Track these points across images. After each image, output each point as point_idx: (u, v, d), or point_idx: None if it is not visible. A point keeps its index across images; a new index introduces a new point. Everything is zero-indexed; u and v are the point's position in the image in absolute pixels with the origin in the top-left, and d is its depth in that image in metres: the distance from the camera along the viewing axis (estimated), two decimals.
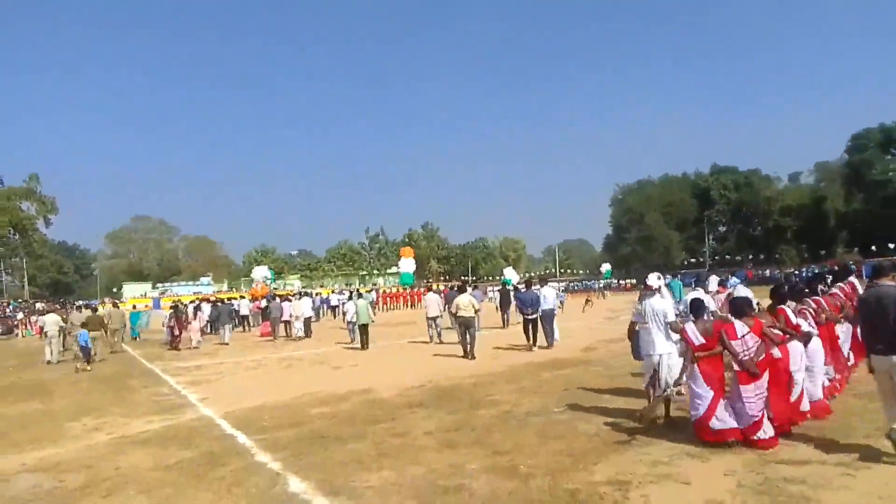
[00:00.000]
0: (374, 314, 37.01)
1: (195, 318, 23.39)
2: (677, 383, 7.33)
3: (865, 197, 65.05)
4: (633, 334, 8.29)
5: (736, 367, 6.13)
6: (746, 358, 6.04)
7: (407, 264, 32.55)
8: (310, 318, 24.84)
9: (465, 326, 14.71)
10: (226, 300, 30.42)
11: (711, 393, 6.09)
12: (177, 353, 20.25)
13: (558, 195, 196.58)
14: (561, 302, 15.48)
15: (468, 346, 14.52)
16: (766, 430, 5.96)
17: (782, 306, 7.08)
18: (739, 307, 6.58)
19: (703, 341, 6.25)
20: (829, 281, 9.64)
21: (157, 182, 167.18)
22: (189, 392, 11.81)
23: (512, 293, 21.76)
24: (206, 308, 25.95)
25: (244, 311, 30.23)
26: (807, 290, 8.44)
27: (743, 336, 6.11)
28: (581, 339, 16.84)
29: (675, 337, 7.19)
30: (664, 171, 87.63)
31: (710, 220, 78.99)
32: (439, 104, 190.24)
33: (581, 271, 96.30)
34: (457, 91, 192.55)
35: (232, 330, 24.34)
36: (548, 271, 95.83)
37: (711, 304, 10.20)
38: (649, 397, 7.58)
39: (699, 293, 9.70)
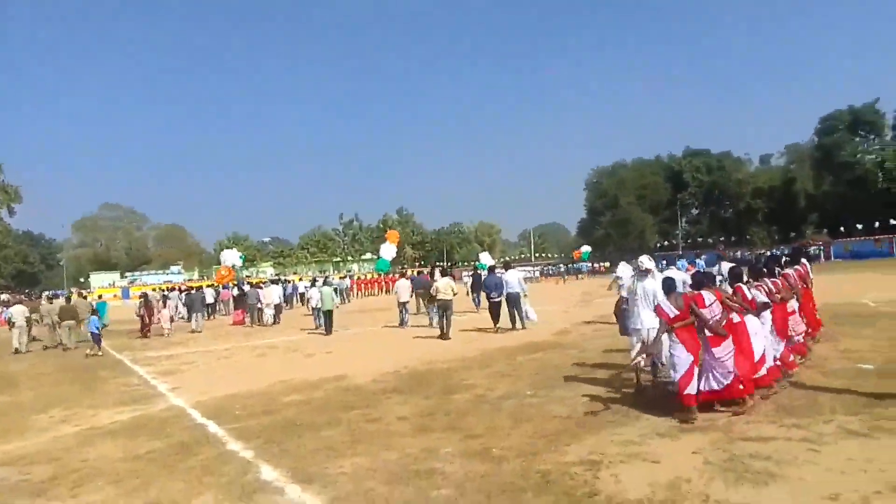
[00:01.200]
0: (349, 301, 37.64)
1: (165, 307, 23.08)
2: (649, 353, 7.86)
3: (834, 179, 66.23)
4: (621, 312, 8.85)
5: (707, 333, 6.66)
6: (714, 322, 6.67)
7: (388, 250, 32.22)
8: (280, 305, 25.04)
9: (443, 309, 15.49)
10: (196, 289, 30.04)
11: (691, 357, 6.57)
12: (146, 342, 19.99)
13: (533, 180, 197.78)
14: (523, 290, 15.63)
15: (445, 327, 15.31)
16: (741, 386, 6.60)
17: (739, 284, 7.67)
18: (700, 280, 7.31)
19: (677, 313, 6.74)
20: (783, 262, 9.97)
21: (127, 170, 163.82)
22: (159, 382, 11.64)
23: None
24: (175, 296, 25.64)
25: (209, 298, 29.72)
26: (764, 271, 8.98)
27: (710, 304, 6.75)
28: (555, 322, 16.95)
29: None
30: (638, 155, 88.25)
31: (682, 203, 79.86)
32: (413, 89, 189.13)
33: (556, 255, 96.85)
34: (431, 76, 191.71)
35: (204, 318, 24.18)
36: (523, 255, 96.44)
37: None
38: (636, 369, 8.09)
39: (671, 272, 9.97)
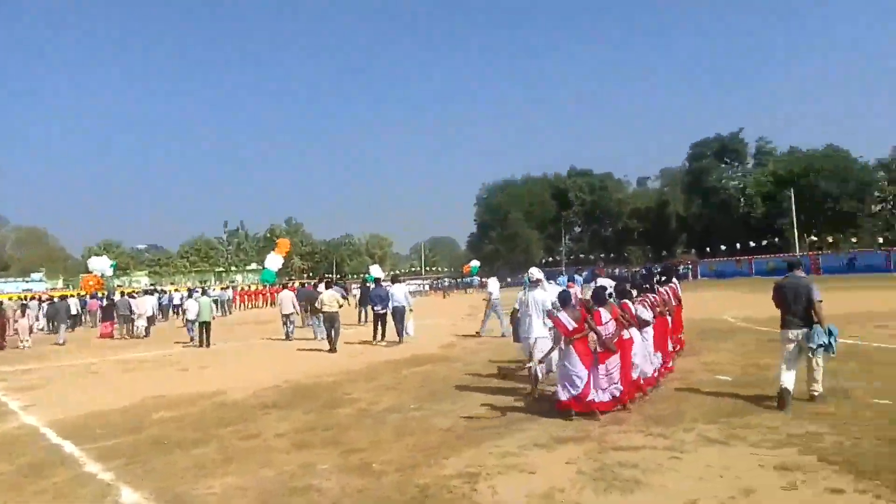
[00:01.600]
0: (231, 313, 36.15)
1: (23, 317, 21.16)
2: (540, 362, 8.26)
3: (702, 202, 71.41)
4: (515, 320, 9.23)
5: (599, 348, 7.12)
6: (607, 338, 7.17)
7: (273, 260, 31.15)
8: (153, 317, 23.74)
9: (330, 321, 15.26)
10: (60, 298, 27.79)
11: (586, 372, 6.97)
12: (0, 355, 18.19)
13: (425, 194, 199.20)
14: (409, 304, 15.87)
15: (332, 339, 15.14)
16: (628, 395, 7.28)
17: (625, 301, 8.19)
18: (602, 296, 7.71)
19: (576, 326, 7.12)
20: (655, 280, 10.72)
21: None
22: (11, 399, 10.60)
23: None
24: (35, 306, 23.61)
25: (73, 309, 27.56)
26: (646, 287, 9.65)
27: (606, 322, 7.31)
28: (441, 336, 17.06)
29: (550, 324, 8.07)
30: (527, 172, 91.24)
31: (567, 221, 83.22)
32: (303, 97, 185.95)
33: (446, 269, 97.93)
34: (321, 86, 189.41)
35: (68, 330, 22.45)
36: (414, 269, 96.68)
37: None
38: (531, 374, 8.56)
39: (558, 287, 10.55)
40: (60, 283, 76.25)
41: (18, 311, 21.98)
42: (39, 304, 27.73)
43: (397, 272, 60.77)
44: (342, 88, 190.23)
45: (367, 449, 6.30)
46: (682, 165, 79.36)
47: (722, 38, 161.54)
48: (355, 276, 77.36)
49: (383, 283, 17.99)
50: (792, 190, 57.65)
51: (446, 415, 7.67)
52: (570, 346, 7.09)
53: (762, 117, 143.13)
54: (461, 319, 22.53)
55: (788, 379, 7.02)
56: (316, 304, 16.18)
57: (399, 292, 16.14)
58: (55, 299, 26.06)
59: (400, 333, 15.94)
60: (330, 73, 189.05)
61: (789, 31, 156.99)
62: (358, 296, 24.39)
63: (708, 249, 62.76)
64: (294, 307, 19.25)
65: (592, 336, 7.19)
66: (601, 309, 7.43)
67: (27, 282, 73.60)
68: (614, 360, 7.18)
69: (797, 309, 7.22)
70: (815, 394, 7.19)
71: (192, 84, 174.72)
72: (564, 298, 7.65)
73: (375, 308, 16.36)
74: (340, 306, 15.64)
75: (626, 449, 5.78)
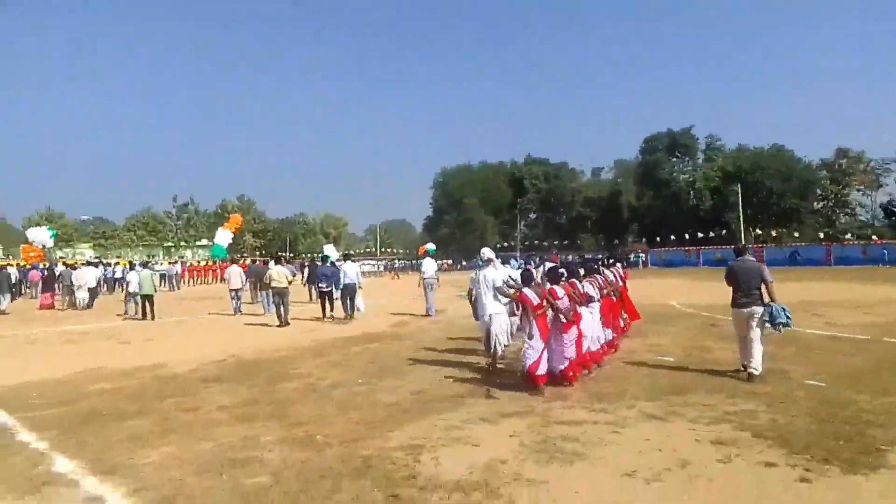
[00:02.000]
0: (179, 288, 35.40)
1: None
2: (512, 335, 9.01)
3: (654, 194, 72.89)
4: (473, 299, 9.53)
5: (562, 319, 7.57)
6: (565, 310, 7.62)
7: (223, 235, 30.62)
8: (95, 289, 23.30)
9: (280, 296, 15.37)
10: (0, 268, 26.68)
11: (542, 345, 7.31)
12: None
13: (382, 175, 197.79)
14: (359, 282, 16.27)
15: (282, 315, 15.26)
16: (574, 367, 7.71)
17: (573, 280, 8.70)
18: (557, 275, 8.18)
19: (539, 301, 7.47)
20: (602, 264, 11.30)
21: None
22: None
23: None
24: None
25: (13, 279, 26.65)
26: (595, 267, 10.26)
27: (562, 297, 7.75)
28: (392, 315, 17.04)
29: (504, 300, 8.59)
30: (484, 159, 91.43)
31: (522, 208, 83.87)
32: (262, 72, 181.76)
33: (401, 251, 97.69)
34: (280, 60, 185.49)
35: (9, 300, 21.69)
36: (369, 250, 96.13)
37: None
38: (488, 349, 8.83)
39: (509, 268, 11.18)
40: (0, 254, 73.17)
41: None
42: None
43: (350, 252, 60.41)
44: (303, 65, 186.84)
45: (311, 422, 6.24)
46: (636, 158, 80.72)
47: (679, 38, 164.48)
48: (309, 255, 76.62)
49: (336, 262, 17.97)
50: (739, 185, 59.54)
51: (393, 390, 7.66)
52: (534, 321, 7.40)
53: (712, 115, 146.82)
54: (413, 300, 22.49)
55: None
56: (265, 279, 16.16)
57: (350, 270, 16.22)
58: None
59: (350, 310, 15.96)
60: (291, 48, 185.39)
61: (741, 31, 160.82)
62: (307, 274, 24.30)
63: (658, 239, 64.17)
64: (242, 282, 19.11)
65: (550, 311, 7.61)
66: (556, 287, 7.85)
67: None
68: (573, 332, 7.65)
69: (748, 289, 7.70)
70: (754, 372, 7.50)
71: (147, 49, 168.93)
72: (527, 277, 8.06)
73: (321, 286, 16.58)
74: (290, 282, 15.66)
75: (569, 423, 5.88)
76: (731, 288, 7.99)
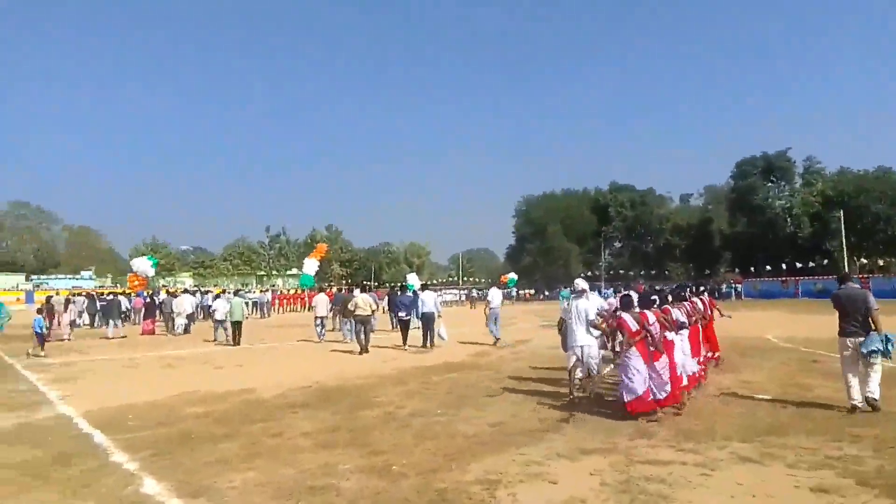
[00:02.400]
0: (269, 315, 36.72)
1: (66, 312, 21.85)
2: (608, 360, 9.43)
3: (747, 221, 69.62)
4: (563, 329, 9.54)
5: (651, 348, 7.49)
6: (655, 338, 7.52)
7: (310, 265, 31.66)
8: (192, 315, 24.63)
9: (362, 324, 15.64)
10: (112, 295, 28.70)
11: (640, 373, 7.31)
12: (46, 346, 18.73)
13: (464, 205, 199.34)
14: (438, 310, 16.41)
15: (363, 342, 15.50)
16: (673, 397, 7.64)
17: (665, 306, 8.62)
18: (649, 301, 8.20)
19: (639, 327, 7.48)
20: (690, 292, 10.94)
21: (38, 167, 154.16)
22: (49, 389, 10.87)
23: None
24: (80, 301, 24.59)
25: (123, 306, 28.52)
26: (682, 295, 10.19)
27: (652, 323, 7.63)
28: (473, 344, 16.97)
29: (596, 332, 8.60)
30: (567, 186, 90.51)
31: (607, 236, 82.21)
32: (347, 107, 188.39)
33: (483, 279, 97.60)
34: (364, 95, 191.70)
35: (121, 326, 23.47)
36: (451, 279, 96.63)
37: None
38: (571, 379, 8.95)
39: (601, 298, 11.04)
40: (109, 282, 78.48)
41: (62, 306, 22.66)
42: (92, 301, 28.74)
43: (434, 281, 60.93)
44: (385, 100, 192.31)
45: (389, 451, 6.25)
46: (727, 183, 77.51)
47: (770, 59, 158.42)
48: (390, 285, 77.82)
49: (409, 292, 18.44)
50: (841, 211, 55.80)
51: (472, 421, 7.58)
52: (634, 348, 7.41)
53: (809, 138, 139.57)
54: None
55: (854, 384, 7.44)
56: (349, 306, 16.49)
57: (429, 299, 16.41)
58: (108, 296, 27.15)
59: (430, 340, 16.11)
60: (374, 83, 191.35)
61: (838, 52, 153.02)
62: (387, 302, 24.80)
63: (752, 269, 61.12)
64: (328, 310, 19.89)
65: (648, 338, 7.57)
66: (647, 311, 7.80)
67: (76, 279, 75.95)
68: (663, 361, 7.56)
69: (855, 317, 7.50)
70: (871, 396, 7.34)
71: (241, 92, 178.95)
72: (626, 302, 8.03)
73: (399, 314, 16.88)
74: (373, 311, 15.97)
75: (654, 463, 5.60)
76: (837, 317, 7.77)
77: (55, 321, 20.97)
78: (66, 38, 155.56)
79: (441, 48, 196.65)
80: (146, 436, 7.21)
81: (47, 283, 70.58)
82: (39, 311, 18.94)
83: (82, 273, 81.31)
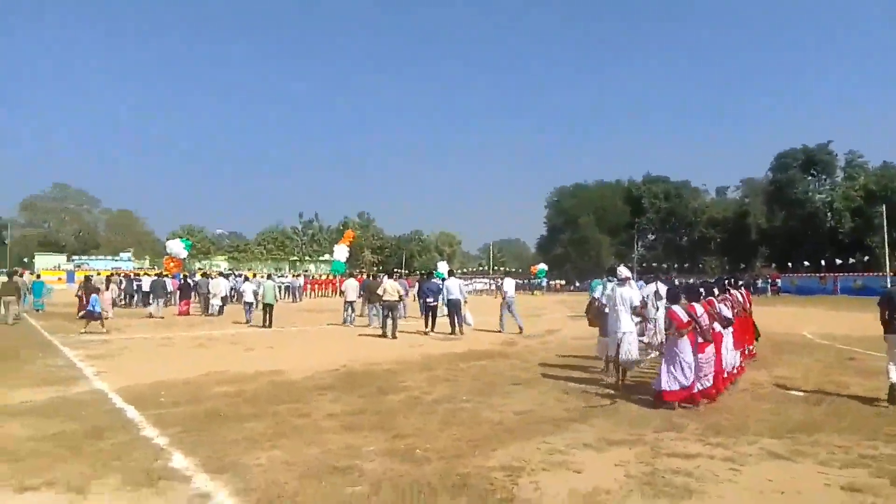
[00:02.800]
0: (301, 300, 37.21)
1: (107, 290, 22.37)
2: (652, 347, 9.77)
3: (786, 214, 68.04)
4: (601, 315, 9.85)
5: (700, 339, 7.64)
6: (705, 328, 7.67)
7: (340, 251, 32.09)
8: (226, 297, 25.37)
9: (389, 309, 15.94)
10: (157, 275, 29.74)
11: (695, 363, 7.48)
12: (82, 325, 19.26)
13: (496, 194, 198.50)
14: (463, 297, 16.91)
15: (391, 328, 15.79)
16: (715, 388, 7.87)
17: (710, 298, 8.77)
18: (696, 292, 8.27)
19: (688, 318, 7.60)
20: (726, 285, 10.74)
21: (79, 150, 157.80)
22: (86, 365, 11.15)
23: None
24: (118, 281, 25.47)
25: (145, 287, 29.47)
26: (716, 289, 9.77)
27: (700, 315, 7.77)
28: (503, 332, 16.94)
29: (636, 319, 9.01)
30: (599, 177, 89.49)
31: (639, 228, 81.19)
32: (382, 96, 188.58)
33: (514, 269, 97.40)
34: (400, 84, 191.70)
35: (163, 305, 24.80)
36: (482, 268, 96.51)
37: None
38: (606, 365, 9.53)
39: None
40: (147, 264, 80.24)
41: (103, 286, 23.24)
42: (122, 281, 29.58)
43: (465, 269, 61.02)
44: (418, 89, 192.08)
45: (413, 436, 6.27)
46: (765, 176, 75.69)
47: (811, 51, 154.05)
48: (421, 272, 78.03)
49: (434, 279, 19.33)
50: (884, 206, 54.03)
51: (498, 409, 7.56)
52: (685, 338, 7.51)
53: (851, 130, 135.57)
54: (523, 319, 22.26)
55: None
56: (378, 291, 16.85)
57: (454, 286, 16.68)
58: (154, 276, 28.30)
59: (456, 325, 16.31)
60: (407, 73, 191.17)
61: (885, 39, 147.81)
62: (416, 289, 25.03)
63: (790, 264, 59.76)
64: (357, 295, 20.20)
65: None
66: (694, 303, 7.90)
67: (116, 260, 77.83)
68: (710, 351, 7.69)
69: None
70: None
71: (277, 80, 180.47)
72: (674, 294, 8.16)
73: (427, 300, 17.14)
74: (401, 297, 16.28)
75: (682, 456, 5.51)
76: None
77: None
78: (112, 27, 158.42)
79: (478, 33, 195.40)
80: (177, 412, 7.35)
81: (87, 264, 72.48)
82: (86, 290, 19.66)
83: (122, 255, 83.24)
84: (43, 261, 76.66)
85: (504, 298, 17.66)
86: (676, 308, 7.71)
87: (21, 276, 24.90)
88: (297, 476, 4.99)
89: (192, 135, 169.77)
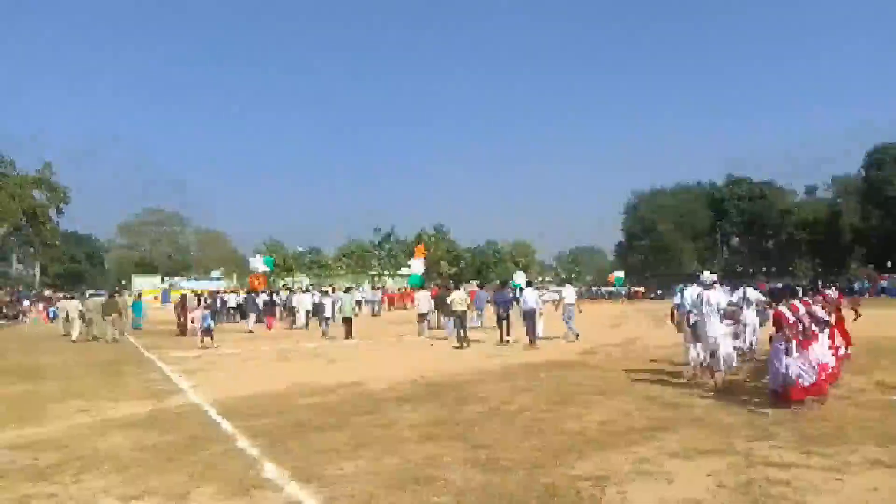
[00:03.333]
0: (380, 313, 37.85)
1: (199, 307, 23.53)
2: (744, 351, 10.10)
3: (883, 213, 63.99)
4: (688, 321, 9.82)
5: (802, 337, 7.68)
6: (807, 327, 7.80)
7: (417, 265, 32.58)
8: (309, 311, 25.91)
9: (460, 319, 16.50)
10: (249, 292, 31.26)
11: (801, 361, 7.45)
12: (177, 342, 20.32)
13: (570, 202, 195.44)
14: (539, 307, 17.02)
15: (462, 337, 16.22)
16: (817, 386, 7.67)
17: (805, 299, 8.82)
18: (794, 291, 8.67)
19: (796, 319, 7.73)
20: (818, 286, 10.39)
21: (174, 173, 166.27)
22: (182, 380, 11.70)
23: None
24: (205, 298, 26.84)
25: (231, 303, 31.16)
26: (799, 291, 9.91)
27: (802, 314, 7.93)
28: (582, 342, 16.64)
29: (728, 322, 9.23)
30: (678, 180, 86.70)
31: (723, 231, 78.20)
32: (452, 105, 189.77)
33: (590, 277, 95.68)
34: (471, 92, 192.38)
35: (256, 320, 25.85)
36: (561, 277, 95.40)
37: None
38: (695, 372, 9.60)
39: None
40: (234, 282, 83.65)
41: (196, 302, 24.49)
42: (207, 299, 31.19)
43: (541, 279, 60.49)
44: (493, 99, 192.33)
45: (494, 446, 6.24)
46: (858, 174, 71.40)
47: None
48: (501, 282, 77.60)
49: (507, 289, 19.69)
50: None
51: (580, 418, 7.43)
52: (792, 339, 7.56)
53: None
54: (603, 328, 21.85)
55: None
56: (447, 302, 17.32)
57: (530, 296, 16.64)
58: (246, 294, 30.61)
59: (532, 334, 16.13)
60: (480, 83, 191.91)
61: None
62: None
63: (889, 264, 56.04)
64: (430, 306, 20.62)
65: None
66: (794, 302, 8.09)
67: (207, 280, 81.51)
68: (813, 349, 7.73)
69: None
70: None
71: (350, 97, 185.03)
72: (780, 296, 8.39)
73: (499, 310, 17.30)
74: (469, 307, 16.82)
75: (777, 465, 5.25)
76: None
77: (189, 317, 22.64)
78: (193, 45, 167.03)
79: (554, 39, 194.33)
80: (266, 424, 7.61)
81: (180, 284, 76.20)
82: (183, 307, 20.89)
83: (213, 273, 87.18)
84: (139, 282, 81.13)
85: (565, 305, 17.61)
86: (783, 308, 7.86)
87: (121, 295, 26.50)
88: (381, 485, 5.05)
89: (274, 155, 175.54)
